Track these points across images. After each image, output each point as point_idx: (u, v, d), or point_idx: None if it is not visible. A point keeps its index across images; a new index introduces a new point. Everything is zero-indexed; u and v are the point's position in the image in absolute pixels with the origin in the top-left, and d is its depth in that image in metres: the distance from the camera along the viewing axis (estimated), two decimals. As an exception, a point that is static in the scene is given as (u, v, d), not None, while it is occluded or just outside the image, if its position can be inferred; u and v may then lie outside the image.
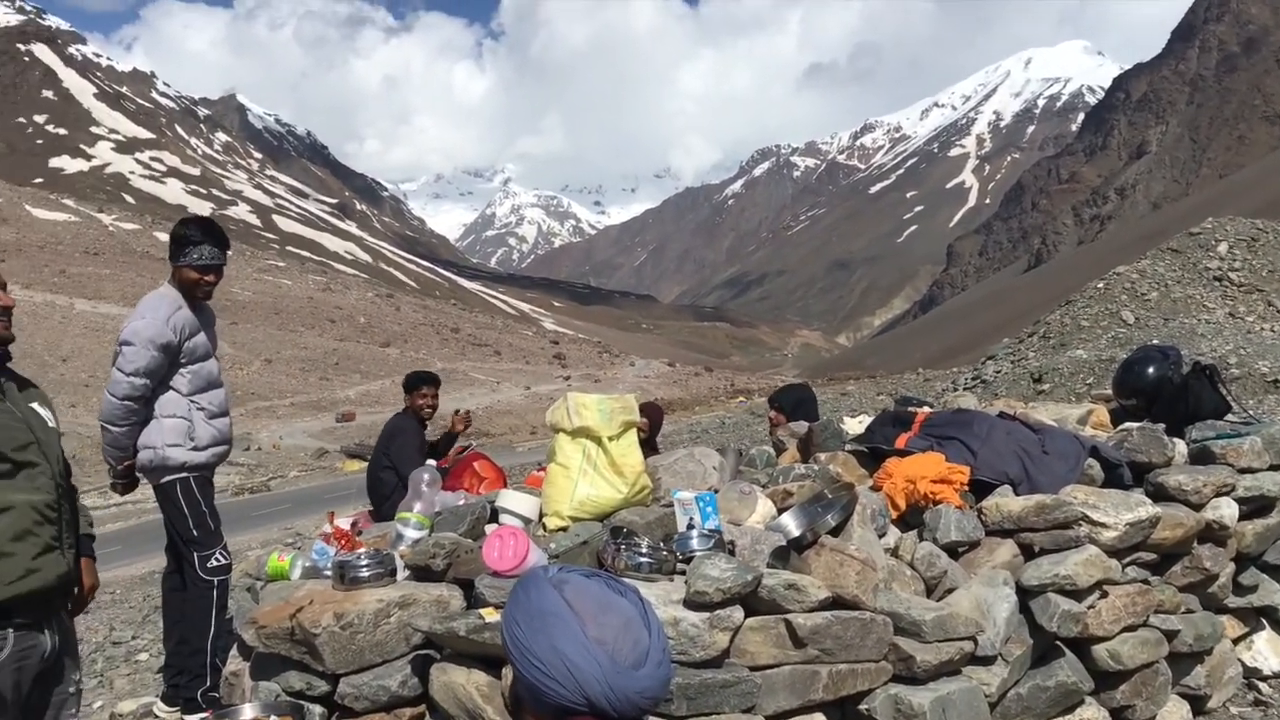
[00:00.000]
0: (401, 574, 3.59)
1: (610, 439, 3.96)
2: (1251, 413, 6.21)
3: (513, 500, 4.06)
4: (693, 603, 3.07)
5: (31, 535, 2.95)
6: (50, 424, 3.20)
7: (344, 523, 4.23)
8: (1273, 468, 4.65)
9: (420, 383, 7.09)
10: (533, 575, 1.97)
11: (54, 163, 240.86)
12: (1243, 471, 4.50)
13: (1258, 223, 16.03)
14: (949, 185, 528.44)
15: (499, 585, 3.24)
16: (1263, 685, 4.61)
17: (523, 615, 1.87)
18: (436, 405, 7.15)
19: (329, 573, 3.58)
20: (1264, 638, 4.72)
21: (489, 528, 3.90)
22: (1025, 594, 3.74)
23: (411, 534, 3.89)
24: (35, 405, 3.19)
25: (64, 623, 3.15)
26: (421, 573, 3.58)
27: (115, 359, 4.44)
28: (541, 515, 3.99)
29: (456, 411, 7.31)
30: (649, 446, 6.73)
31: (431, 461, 4.37)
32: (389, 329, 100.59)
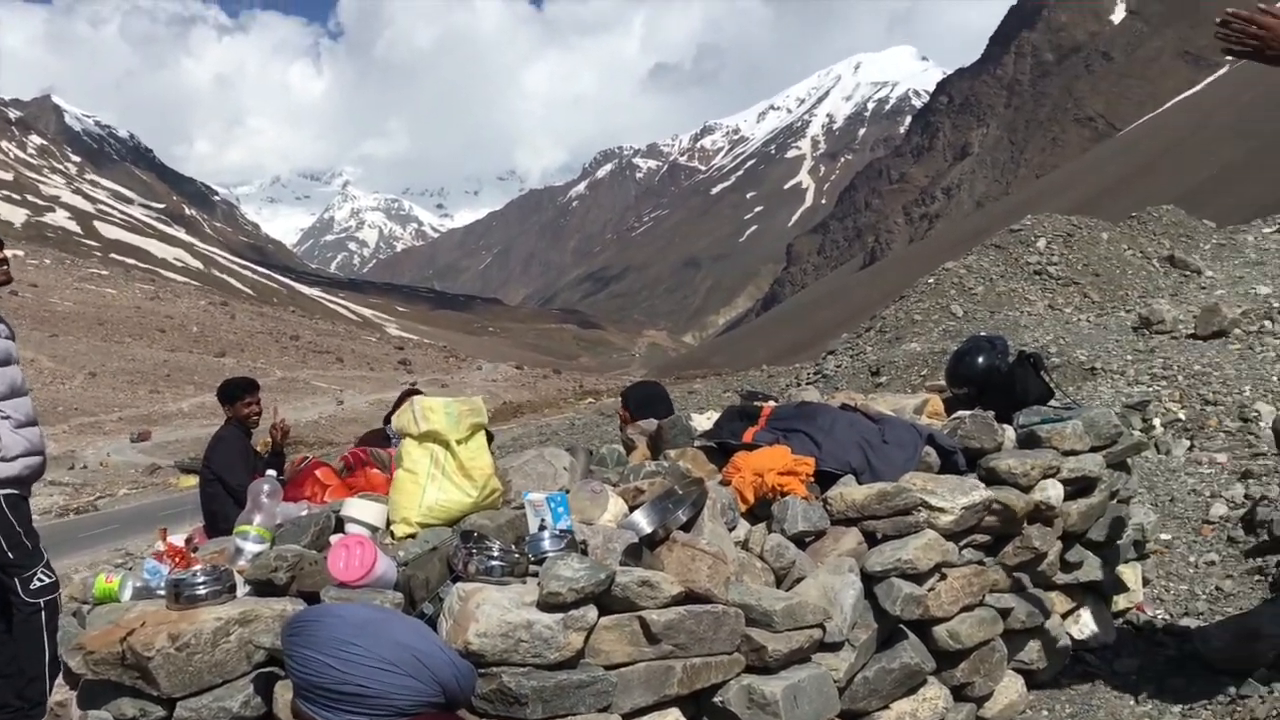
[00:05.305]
0: (242, 590, 3.45)
1: (459, 442, 3.90)
2: (1072, 398, 6.56)
3: (358, 508, 3.94)
4: (546, 604, 3.04)
5: None
6: None
7: (178, 539, 4.04)
8: (1094, 450, 4.91)
9: (241, 391, 6.79)
10: (310, 611, 1.96)
11: None
12: (1066, 454, 4.73)
13: (1073, 219, 16.91)
14: (787, 186, 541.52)
15: (346, 596, 3.15)
16: (1089, 657, 4.87)
17: (347, 632, 1.83)
18: (261, 410, 6.91)
19: (162, 592, 3.41)
20: (1089, 612, 4.98)
21: (334, 538, 3.78)
22: (870, 580, 3.85)
23: (251, 548, 3.73)
24: None
25: None
26: (263, 587, 3.44)
27: None
28: (389, 523, 3.90)
29: (273, 425, 6.99)
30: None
31: (272, 471, 4.20)
32: (224, 338, 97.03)
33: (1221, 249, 15.27)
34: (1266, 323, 9.72)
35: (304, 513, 4.07)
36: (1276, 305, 10.11)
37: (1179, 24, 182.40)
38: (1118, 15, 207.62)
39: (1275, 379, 8.15)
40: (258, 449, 6.97)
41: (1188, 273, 14.30)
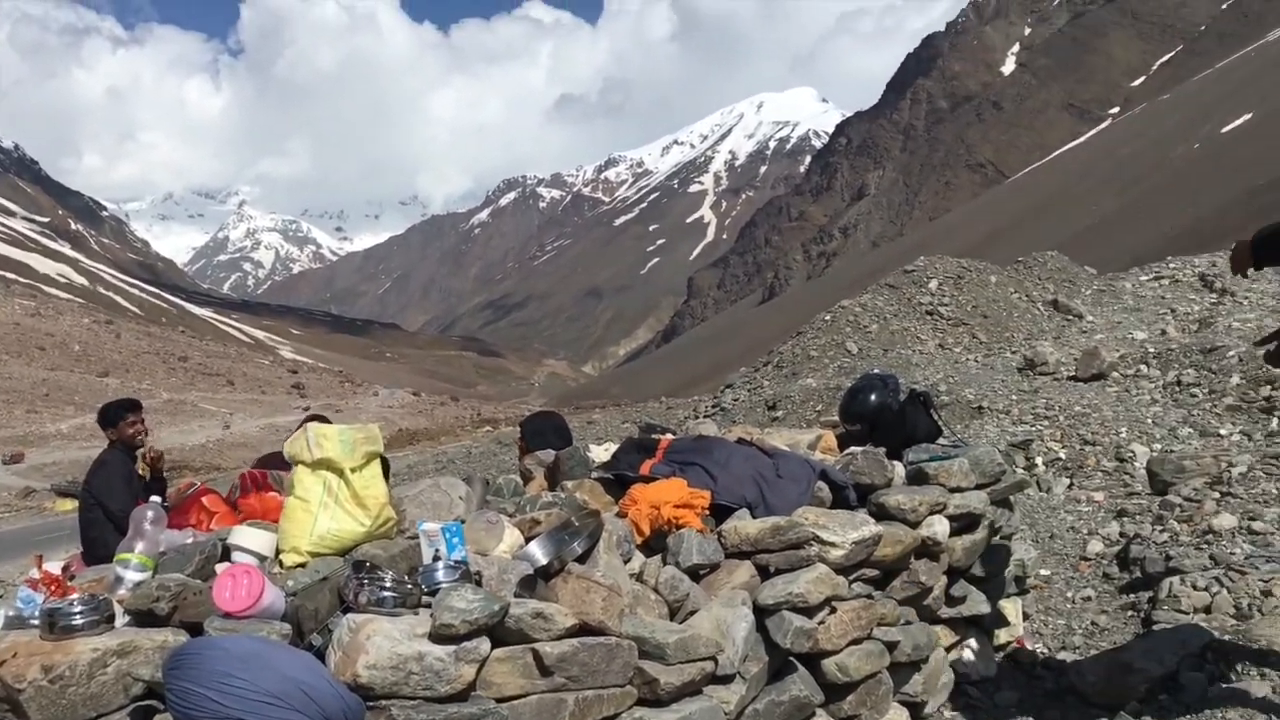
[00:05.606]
0: (121, 620, 3.34)
1: (353, 470, 3.85)
2: (959, 436, 6.75)
3: (246, 537, 3.85)
4: (439, 636, 3.01)
5: None
6: None
7: (54, 567, 3.89)
8: (979, 487, 5.07)
9: (123, 411, 6.52)
10: (192, 644, 1.90)
11: None
12: (953, 491, 4.88)
13: (963, 262, 17.47)
14: (689, 220, 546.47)
15: (231, 628, 3.07)
16: (971, 690, 5.00)
17: (230, 665, 1.78)
18: (147, 430, 6.65)
19: (36, 622, 3.28)
20: (973, 645, 5.12)
21: (220, 567, 3.69)
22: (762, 613, 3.90)
23: (133, 576, 3.62)
24: None
25: None
26: (144, 618, 3.33)
27: None
28: (278, 552, 3.82)
29: (142, 456, 6.58)
30: None
31: (156, 498, 4.07)
32: (108, 358, 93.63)
33: (1101, 295, 15.91)
34: (1142, 367, 10.14)
35: (189, 540, 3.96)
36: (1152, 350, 10.56)
37: (1066, 79, 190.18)
38: (1008, 67, 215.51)
39: (1150, 421, 8.51)
40: (139, 471, 6.71)
41: (1070, 317, 14.85)
